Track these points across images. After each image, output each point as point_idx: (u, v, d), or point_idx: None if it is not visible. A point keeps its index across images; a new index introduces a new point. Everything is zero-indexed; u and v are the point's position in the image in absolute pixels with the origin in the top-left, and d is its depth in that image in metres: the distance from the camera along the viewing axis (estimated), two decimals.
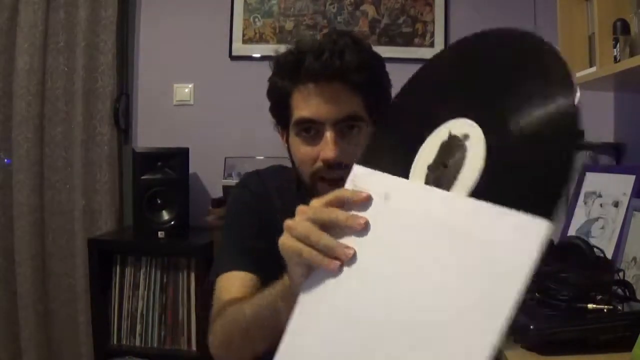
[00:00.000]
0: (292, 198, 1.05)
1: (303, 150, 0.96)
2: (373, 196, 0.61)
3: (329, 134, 0.92)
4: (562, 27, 1.54)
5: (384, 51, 2.64)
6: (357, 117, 0.94)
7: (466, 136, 0.55)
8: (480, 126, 0.54)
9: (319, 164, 0.94)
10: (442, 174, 0.56)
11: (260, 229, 1.02)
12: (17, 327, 2.41)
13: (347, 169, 0.91)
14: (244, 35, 2.46)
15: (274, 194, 1.07)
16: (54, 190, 2.44)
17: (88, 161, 2.41)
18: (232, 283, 0.97)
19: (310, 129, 0.94)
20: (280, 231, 1.03)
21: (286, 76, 0.95)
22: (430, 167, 0.58)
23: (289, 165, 1.06)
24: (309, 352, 0.62)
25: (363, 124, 0.95)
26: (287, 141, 1.01)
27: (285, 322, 0.71)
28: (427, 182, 0.58)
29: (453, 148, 0.56)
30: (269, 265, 0.98)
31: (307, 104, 0.93)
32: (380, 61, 1.01)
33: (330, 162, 0.92)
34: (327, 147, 0.92)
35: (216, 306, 0.96)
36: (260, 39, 2.45)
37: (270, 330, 0.78)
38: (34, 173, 2.39)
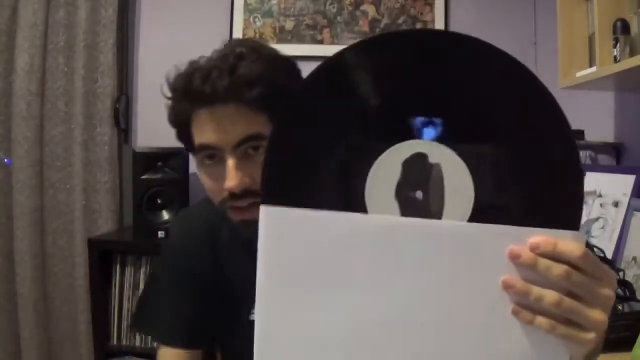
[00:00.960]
0: (224, 240, 1.00)
1: (207, 182, 0.88)
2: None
3: (229, 162, 0.82)
4: (562, 27, 1.54)
5: None
6: (259, 137, 0.82)
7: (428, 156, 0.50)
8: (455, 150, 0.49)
9: (225, 193, 0.84)
10: (420, 204, 0.49)
11: (194, 293, 1.00)
12: (17, 327, 2.40)
13: (256, 195, 0.80)
14: (244, 35, 2.46)
15: (204, 243, 1.00)
16: (54, 190, 2.44)
17: (88, 161, 2.41)
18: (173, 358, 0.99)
19: (214, 156, 0.85)
20: (218, 286, 0.99)
21: (180, 102, 0.87)
22: (401, 195, 0.49)
23: None
24: None
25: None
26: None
27: None
28: (404, 215, 0.49)
29: (423, 169, 0.49)
30: (206, 327, 1.00)
31: (202, 131, 0.84)
32: (287, 66, 0.89)
33: (235, 192, 0.83)
34: (228, 177, 0.82)
35: None
36: (260, 39, 2.45)
37: None
38: (34, 173, 2.39)
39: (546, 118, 0.48)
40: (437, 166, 0.49)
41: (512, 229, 0.47)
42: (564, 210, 0.48)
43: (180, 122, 0.89)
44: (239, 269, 0.97)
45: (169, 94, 0.90)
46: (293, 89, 0.59)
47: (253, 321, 0.85)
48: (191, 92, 0.84)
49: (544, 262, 0.47)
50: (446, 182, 0.48)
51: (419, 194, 0.49)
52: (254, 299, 0.82)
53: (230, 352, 1.06)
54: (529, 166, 0.49)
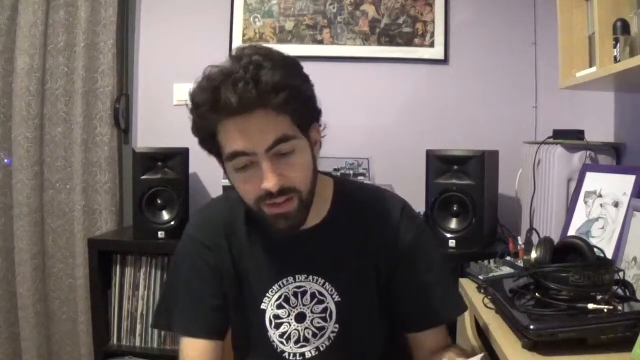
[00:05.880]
0: (241, 234, 1.07)
1: (242, 185, 0.96)
2: None
3: (264, 165, 0.91)
4: (562, 27, 1.54)
5: (384, 51, 2.67)
6: (287, 138, 0.92)
7: None
8: None
9: (261, 192, 0.93)
10: None
11: (215, 284, 1.06)
12: (17, 327, 2.41)
13: (291, 191, 0.92)
14: (244, 35, 2.46)
15: (222, 238, 1.08)
16: (54, 190, 2.44)
17: (88, 161, 2.41)
18: (196, 349, 1.04)
19: (241, 163, 0.93)
20: (234, 278, 1.06)
21: (206, 114, 0.91)
22: None
23: None
24: None
25: (295, 141, 0.94)
26: (224, 168, 1.00)
27: None
28: None
29: None
30: (226, 317, 1.07)
31: (234, 139, 0.91)
32: (295, 67, 0.96)
33: (272, 192, 0.92)
34: (266, 178, 0.91)
35: None
36: (260, 39, 2.45)
37: None
38: (34, 173, 2.39)
39: None
40: None
41: None
42: None
43: (207, 132, 0.94)
44: (253, 261, 1.06)
45: (191, 107, 0.95)
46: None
47: (263, 310, 1.05)
48: (220, 104, 0.88)
49: None
50: None
51: None
52: (266, 288, 1.04)
53: (240, 339, 1.11)
54: None
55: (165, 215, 2.18)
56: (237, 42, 2.45)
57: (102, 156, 2.42)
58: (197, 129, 0.96)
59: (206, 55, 2.60)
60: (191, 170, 2.27)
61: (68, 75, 2.42)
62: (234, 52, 0.95)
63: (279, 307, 1.04)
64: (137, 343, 2.19)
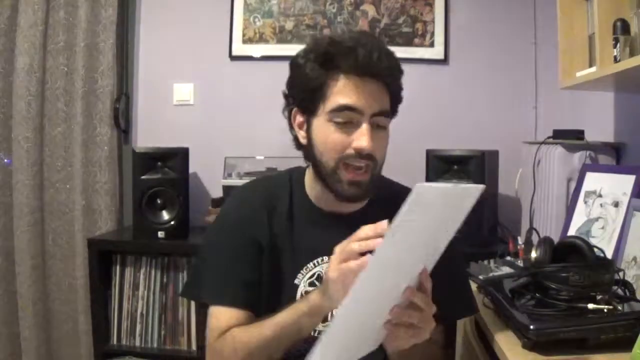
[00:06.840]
0: (282, 212, 1.11)
1: (335, 136, 1.01)
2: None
3: (366, 126, 1.00)
4: (562, 27, 1.54)
5: None
6: (387, 113, 1.04)
7: None
8: None
9: (350, 151, 1.01)
10: None
11: (250, 259, 1.08)
12: (17, 327, 2.41)
13: (372, 160, 1.04)
14: (244, 35, 2.46)
15: (263, 211, 1.11)
16: (54, 190, 2.44)
17: (88, 161, 2.41)
18: (230, 318, 1.05)
19: (346, 117, 1.00)
20: (271, 252, 1.09)
21: (329, 64, 1.00)
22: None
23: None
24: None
25: (389, 120, 1.06)
26: (302, 125, 1.07)
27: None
28: None
29: None
30: (258, 292, 1.08)
31: (350, 94, 1.00)
32: None
33: (364, 152, 1.00)
34: (363, 137, 0.99)
35: (216, 332, 1.05)
36: (260, 39, 2.45)
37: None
38: (34, 173, 2.40)
39: None
40: None
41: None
42: None
43: (318, 82, 1.02)
44: (291, 239, 1.10)
45: (310, 56, 1.03)
46: None
47: (296, 285, 1.10)
48: (350, 59, 0.99)
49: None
50: None
51: None
52: (300, 265, 1.10)
53: (268, 312, 1.10)
54: None
55: (165, 215, 2.18)
56: (237, 42, 2.46)
57: (102, 156, 2.41)
58: (307, 78, 1.02)
59: (206, 55, 2.64)
60: (191, 170, 2.27)
61: (68, 75, 2.42)
62: (353, 31, 1.07)
63: (311, 284, 1.07)
64: (137, 343, 2.19)
